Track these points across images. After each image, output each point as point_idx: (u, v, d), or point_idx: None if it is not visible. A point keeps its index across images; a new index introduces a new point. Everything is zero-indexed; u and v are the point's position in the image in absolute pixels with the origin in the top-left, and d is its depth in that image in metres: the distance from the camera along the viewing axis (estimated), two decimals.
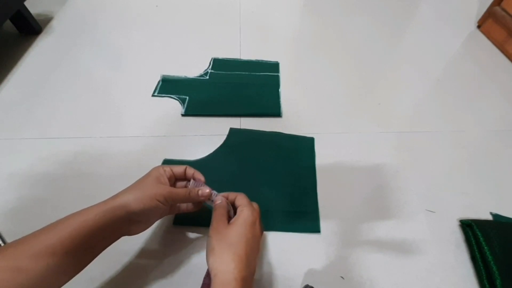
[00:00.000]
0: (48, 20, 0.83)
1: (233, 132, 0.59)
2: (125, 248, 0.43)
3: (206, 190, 0.40)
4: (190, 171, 0.42)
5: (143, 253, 0.43)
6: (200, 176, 0.42)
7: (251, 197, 0.49)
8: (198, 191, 0.40)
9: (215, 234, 0.34)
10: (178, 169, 0.41)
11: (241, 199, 0.38)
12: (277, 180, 0.53)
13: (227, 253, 0.32)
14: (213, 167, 0.54)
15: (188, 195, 0.39)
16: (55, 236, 0.31)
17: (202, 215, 0.44)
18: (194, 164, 0.54)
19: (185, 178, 0.42)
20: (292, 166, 0.55)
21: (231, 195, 0.40)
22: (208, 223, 0.37)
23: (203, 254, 0.43)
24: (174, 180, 0.41)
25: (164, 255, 0.43)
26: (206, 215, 0.42)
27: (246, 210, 0.36)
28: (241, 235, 0.33)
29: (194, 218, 0.46)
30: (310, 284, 0.40)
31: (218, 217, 0.36)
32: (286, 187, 0.52)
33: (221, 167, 0.54)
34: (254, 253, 0.34)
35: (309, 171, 0.55)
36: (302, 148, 0.58)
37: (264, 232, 0.46)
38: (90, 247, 0.33)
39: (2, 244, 0.43)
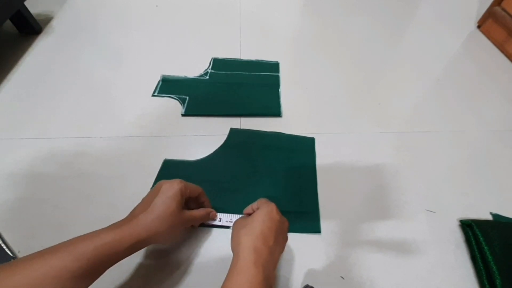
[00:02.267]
0: (48, 20, 0.83)
1: (233, 132, 0.59)
2: None
3: (214, 213, 0.45)
4: (203, 198, 0.44)
5: (143, 253, 0.43)
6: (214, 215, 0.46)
7: (252, 198, 0.50)
8: (210, 213, 0.45)
9: (235, 225, 0.37)
10: (194, 193, 0.42)
11: (258, 203, 0.40)
12: (277, 180, 0.53)
13: (241, 232, 0.34)
14: (213, 167, 0.54)
15: (201, 218, 0.43)
16: (73, 257, 0.29)
17: None
18: (195, 164, 0.54)
19: (195, 199, 0.44)
20: (293, 166, 0.55)
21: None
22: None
23: (203, 254, 0.44)
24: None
25: (164, 255, 0.43)
26: None
27: (260, 205, 0.38)
28: (255, 219, 0.35)
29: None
30: (310, 284, 0.40)
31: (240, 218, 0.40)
32: (286, 187, 0.52)
33: (222, 167, 0.54)
34: (271, 233, 0.34)
35: (309, 171, 0.55)
36: (302, 149, 0.58)
37: None
38: (104, 267, 0.32)
39: (2, 244, 0.43)
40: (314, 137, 0.60)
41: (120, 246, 0.32)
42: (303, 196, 0.51)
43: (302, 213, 0.49)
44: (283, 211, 0.48)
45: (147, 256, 0.43)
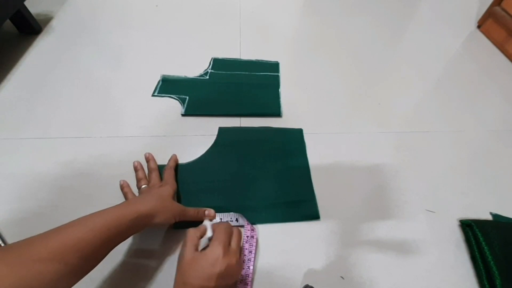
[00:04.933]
0: (48, 20, 0.83)
1: (222, 131, 0.59)
2: (125, 248, 0.43)
3: (212, 211, 0.46)
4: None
5: (143, 253, 0.43)
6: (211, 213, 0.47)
7: (247, 194, 0.51)
8: (205, 211, 0.46)
9: (178, 263, 0.36)
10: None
11: (216, 232, 0.38)
12: (271, 173, 0.53)
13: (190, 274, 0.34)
14: (206, 168, 0.53)
15: (196, 215, 0.45)
16: (88, 229, 0.33)
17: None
18: (186, 167, 0.54)
19: None
20: (284, 158, 0.56)
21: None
22: None
23: None
24: None
25: (164, 255, 0.43)
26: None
27: (211, 247, 0.36)
28: (195, 272, 0.34)
29: (193, 221, 0.46)
30: (310, 284, 0.40)
31: (189, 240, 0.36)
32: (280, 179, 0.53)
33: (215, 166, 0.54)
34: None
35: (301, 161, 0.55)
36: (292, 140, 0.59)
37: (264, 232, 0.46)
38: (114, 240, 0.35)
39: (2, 244, 0.43)
40: (314, 136, 0.60)
41: (124, 219, 0.35)
42: (298, 186, 0.52)
43: (300, 202, 0.50)
44: (280, 203, 0.50)
45: (147, 256, 0.43)
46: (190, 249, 0.35)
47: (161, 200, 0.41)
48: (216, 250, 0.35)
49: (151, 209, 0.38)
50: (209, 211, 0.46)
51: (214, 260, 0.34)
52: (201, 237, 0.38)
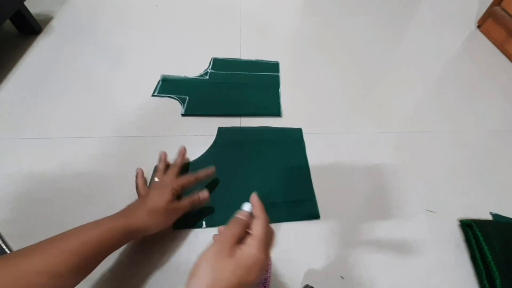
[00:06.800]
0: (48, 20, 0.83)
1: (222, 130, 0.60)
2: (125, 248, 0.43)
3: (205, 192, 0.46)
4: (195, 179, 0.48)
5: (143, 253, 0.43)
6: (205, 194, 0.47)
7: (247, 193, 0.50)
8: (199, 197, 0.45)
9: (208, 260, 0.28)
10: (189, 184, 0.46)
11: (255, 226, 0.31)
12: (270, 173, 0.54)
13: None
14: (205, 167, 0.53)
15: (191, 205, 0.44)
16: (81, 242, 0.33)
17: (201, 218, 0.48)
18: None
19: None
20: (284, 157, 0.56)
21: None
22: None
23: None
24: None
25: (163, 255, 0.43)
26: (204, 216, 0.48)
27: (249, 246, 0.29)
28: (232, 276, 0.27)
29: (193, 222, 0.47)
30: (310, 284, 0.40)
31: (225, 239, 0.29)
32: (280, 178, 0.53)
33: (215, 166, 0.54)
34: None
35: (301, 160, 0.56)
36: (291, 140, 0.59)
37: None
38: (106, 252, 0.35)
39: (2, 244, 0.43)
40: (314, 136, 0.60)
41: (117, 231, 0.36)
42: (298, 185, 0.52)
43: (300, 201, 0.50)
44: (280, 202, 0.50)
45: (147, 256, 0.43)
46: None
47: (153, 214, 0.39)
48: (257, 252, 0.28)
49: (143, 224, 0.38)
50: (203, 194, 0.46)
51: (255, 262, 0.27)
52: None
